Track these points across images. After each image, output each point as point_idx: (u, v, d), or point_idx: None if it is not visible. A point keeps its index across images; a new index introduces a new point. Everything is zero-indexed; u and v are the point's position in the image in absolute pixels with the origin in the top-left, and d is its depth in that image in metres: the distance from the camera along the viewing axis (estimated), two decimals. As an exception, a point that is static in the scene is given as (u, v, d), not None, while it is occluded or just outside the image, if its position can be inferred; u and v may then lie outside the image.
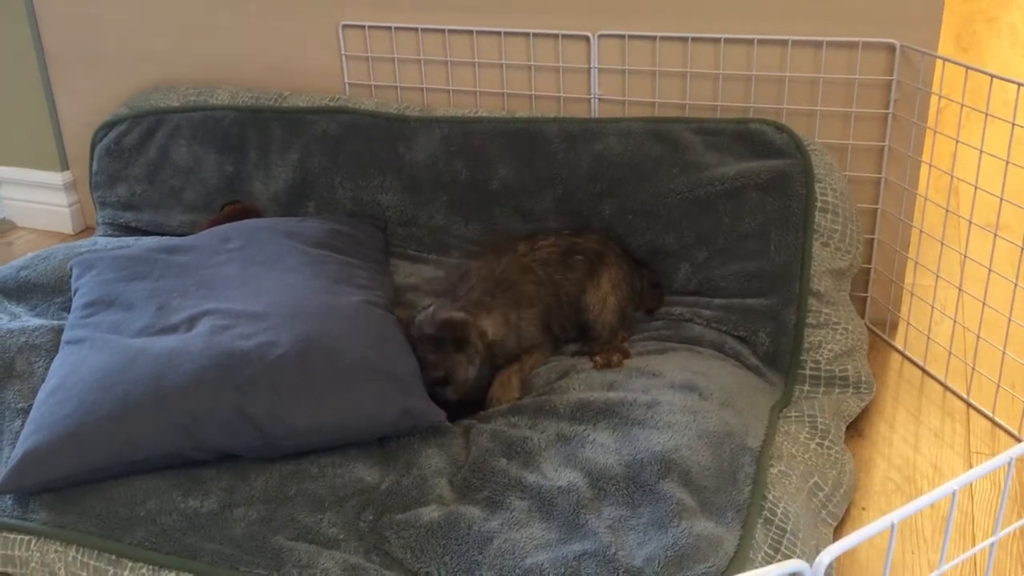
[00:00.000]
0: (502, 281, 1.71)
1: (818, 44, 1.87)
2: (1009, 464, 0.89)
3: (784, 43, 1.88)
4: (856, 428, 1.70)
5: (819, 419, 1.59)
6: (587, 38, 2.00)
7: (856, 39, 1.84)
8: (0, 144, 2.58)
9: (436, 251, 2.02)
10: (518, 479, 1.39)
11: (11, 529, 1.42)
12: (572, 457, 1.41)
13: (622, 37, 1.98)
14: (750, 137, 1.83)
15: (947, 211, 1.85)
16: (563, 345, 1.78)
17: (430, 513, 1.34)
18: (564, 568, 1.24)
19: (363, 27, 2.15)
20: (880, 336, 1.97)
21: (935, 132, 1.86)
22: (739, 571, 1.24)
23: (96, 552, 1.37)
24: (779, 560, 1.29)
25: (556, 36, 2.02)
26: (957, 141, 1.78)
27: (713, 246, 1.80)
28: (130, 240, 2.07)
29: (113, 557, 1.36)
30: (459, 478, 1.42)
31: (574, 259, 1.79)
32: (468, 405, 1.60)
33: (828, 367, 1.69)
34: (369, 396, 1.48)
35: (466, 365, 1.60)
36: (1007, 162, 1.69)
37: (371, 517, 1.37)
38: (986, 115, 1.73)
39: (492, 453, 1.44)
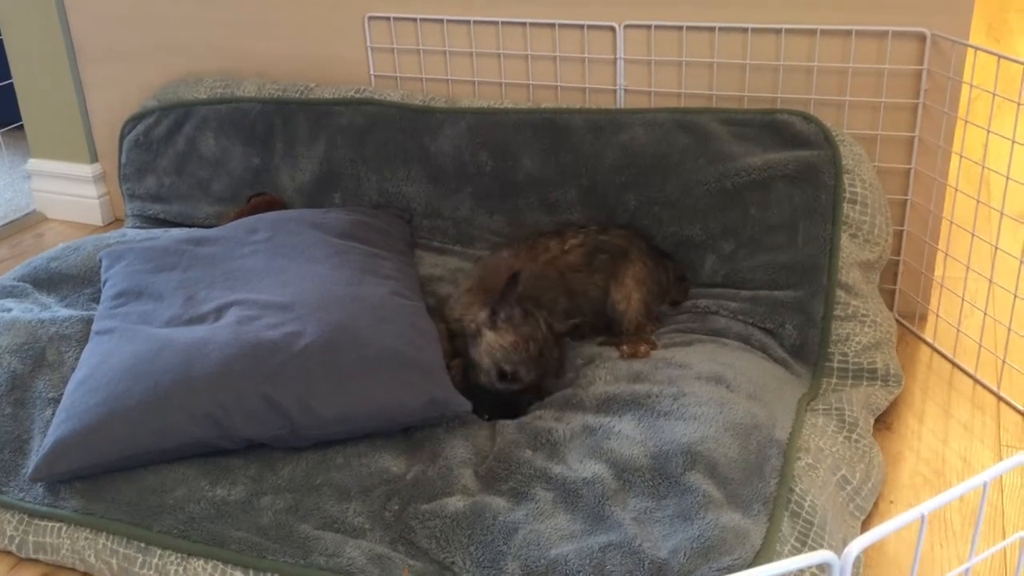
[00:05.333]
0: (540, 292, 1.69)
1: (847, 33, 1.85)
2: (1042, 457, 0.87)
3: (812, 32, 1.87)
4: (884, 421, 1.68)
5: (847, 412, 1.58)
6: (613, 28, 2.00)
7: (886, 28, 1.82)
8: (31, 137, 2.61)
9: (461, 242, 2.03)
10: (543, 470, 1.39)
11: (42, 516, 1.44)
12: (597, 448, 1.41)
13: (648, 27, 1.97)
14: (778, 127, 1.82)
15: (978, 202, 1.83)
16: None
17: (455, 503, 1.35)
18: (589, 559, 1.24)
19: (388, 19, 2.15)
20: (909, 328, 1.95)
21: (966, 122, 1.84)
22: (765, 564, 1.23)
23: (125, 539, 1.39)
24: (806, 553, 1.28)
25: (582, 27, 2.02)
26: (988, 131, 1.76)
27: (740, 238, 1.79)
28: (158, 232, 2.09)
29: (142, 544, 1.38)
30: (484, 468, 1.42)
31: (599, 258, 1.78)
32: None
33: (856, 360, 1.67)
34: (395, 385, 1.48)
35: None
36: (1040, 152, 1.67)
37: (397, 507, 1.37)
38: (1018, 104, 1.70)
39: (517, 444, 1.45)
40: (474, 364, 1.59)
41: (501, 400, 1.56)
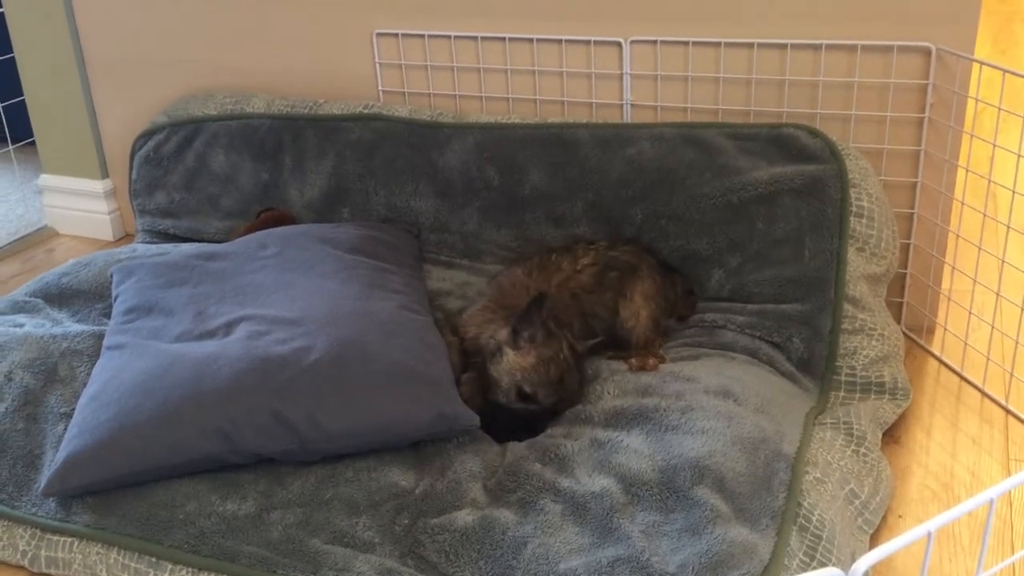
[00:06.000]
0: (556, 317, 1.67)
1: (852, 48, 1.85)
2: (1048, 472, 0.88)
3: (818, 47, 1.87)
4: (892, 435, 1.68)
5: (855, 426, 1.58)
6: (619, 44, 2.01)
7: (891, 43, 1.82)
8: (42, 153, 2.63)
9: (468, 257, 2.04)
10: (552, 484, 1.39)
11: (54, 531, 1.45)
12: (606, 462, 1.42)
13: (654, 43, 1.98)
14: (784, 142, 1.83)
15: (984, 215, 1.83)
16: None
17: (464, 517, 1.35)
18: (598, 573, 1.25)
19: (396, 35, 2.17)
20: (916, 342, 1.95)
21: (972, 136, 1.84)
22: (774, 578, 1.23)
23: (137, 554, 1.40)
24: (814, 567, 1.28)
25: (588, 42, 2.03)
26: (994, 145, 1.76)
27: (746, 252, 1.79)
28: (168, 247, 2.10)
29: (153, 559, 1.39)
30: (493, 483, 1.43)
31: (609, 276, 1.78)
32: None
33: (864, 373, 1.68)
34: (403, 399, 1.49)
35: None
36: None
37: (406, 521, 1.38)
38: (1024, 118, 1.70)
39: (526, 458, 1.45)
40: (493, 381, 1.58)
41: (517, 419, 1.55)
